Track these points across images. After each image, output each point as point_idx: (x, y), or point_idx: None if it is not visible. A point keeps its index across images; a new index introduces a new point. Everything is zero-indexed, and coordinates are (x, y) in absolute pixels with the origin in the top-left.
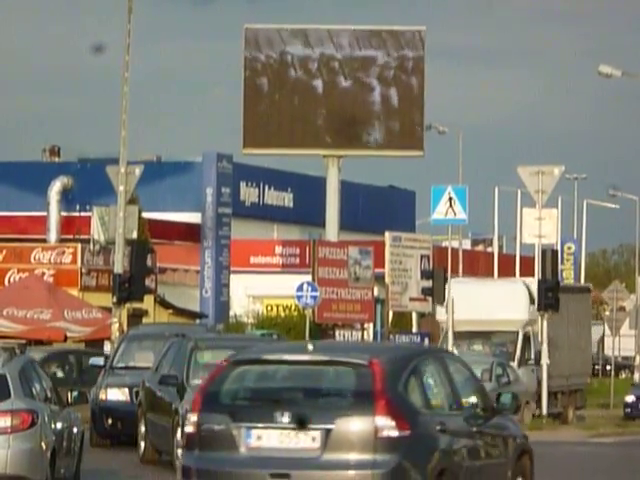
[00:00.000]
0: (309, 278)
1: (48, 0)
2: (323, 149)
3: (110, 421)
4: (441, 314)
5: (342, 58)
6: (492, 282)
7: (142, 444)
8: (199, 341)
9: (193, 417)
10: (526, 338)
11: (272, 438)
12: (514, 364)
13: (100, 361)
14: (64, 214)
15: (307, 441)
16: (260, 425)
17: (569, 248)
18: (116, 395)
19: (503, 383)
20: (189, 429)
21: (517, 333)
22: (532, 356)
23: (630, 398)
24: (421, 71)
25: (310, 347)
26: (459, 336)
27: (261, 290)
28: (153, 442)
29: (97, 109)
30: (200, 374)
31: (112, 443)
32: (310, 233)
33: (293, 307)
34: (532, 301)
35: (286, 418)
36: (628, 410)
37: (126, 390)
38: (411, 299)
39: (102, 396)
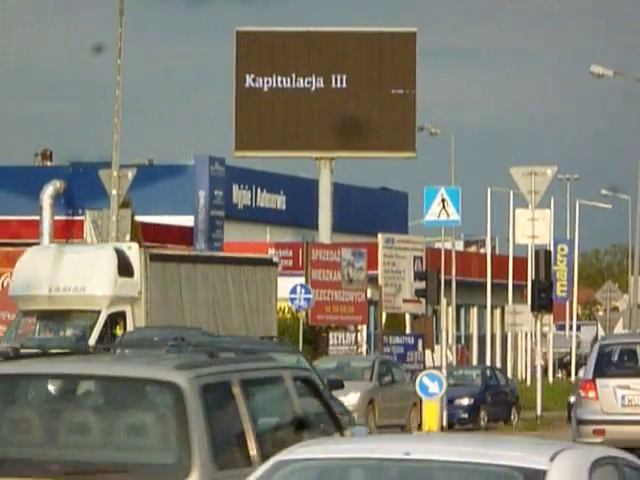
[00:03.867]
0: (302, 280)
1: (41, 4)
2: (315, 151)
3: None
4: (13, 290)
5: (334, 60)
6: (74, 249)
7: None
8: (199, 345)
9: None
10: (114, 320)
11: None
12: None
13: None
14: (57, 218)
15: None
16: None
17: (562, 249)
18: None
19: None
20: None
21: (99, 313)
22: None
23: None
24: (413, 73)
25: None
26: (29, 316)
27: None
28: None
29: (89, 113)
30: None
31: None
32: (303, 235)
33: (286, 309)
34: (128, 273)
35: None
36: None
37: None
38: (404, 301)
39: None
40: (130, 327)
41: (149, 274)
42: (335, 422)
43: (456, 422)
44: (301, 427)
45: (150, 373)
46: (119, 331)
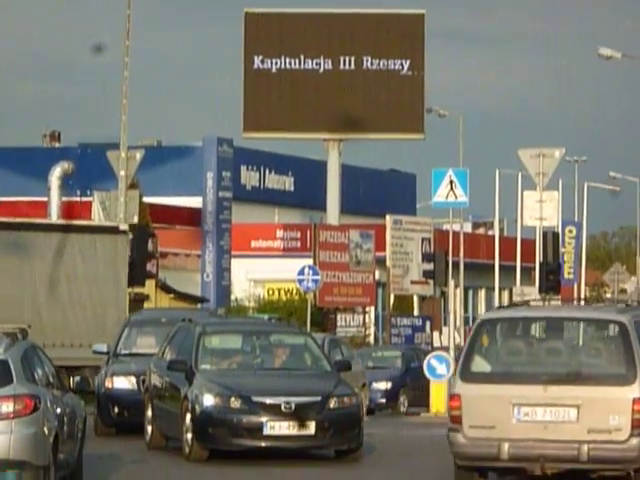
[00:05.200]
0: (310, 262)
1: None
2: (323, 133)
3: (117, 410)
4: None
5: (342, 41)
6: None
7: (149, 429)
8: (207, 326)
9: None
10: None
11: None
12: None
13: (104, 348)
14: (65, 199)
15: None
16: None
17: (570, 231)
18: (122, 383)
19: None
20: None
21: None
22: None
23: None
24: (421, 54)
25: None
26: None
27: (262, 274)
28: (161, 428)
29: (97, 94)
30: (209, 359)
31: (118, 431)
32: (311, 217)
33: (294, 291)
34: None
35: None
36: None
37: (133, 378)
38: (412, 282)
39: (108, 384)
40: None
41: None
42: None
43: (374, 407)
44: None
45: (604, 315)
46: None
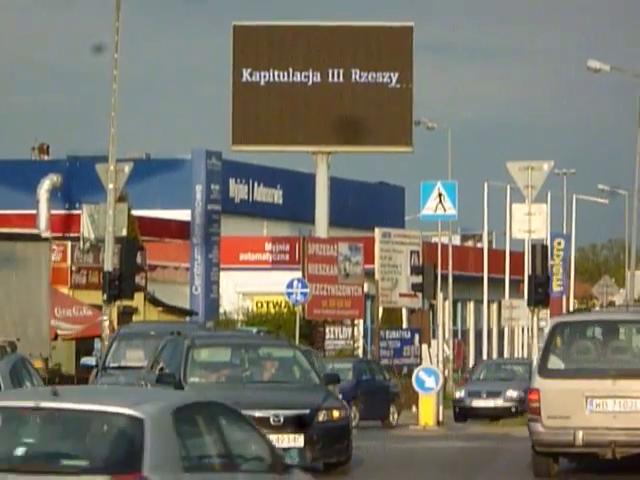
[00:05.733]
0: (299, 275)
1: None
2: (312, 146)
3: None
4: None
5: (331, 54)
6: None
7: None
8: (196, 339)
9: None
10: None
11: None
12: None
13: (92, 361)
14: (54, 212)
15: None
16: None
17: (559, 243)
18: None
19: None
20: None
21: None
22: None
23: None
24: (410, 67)
25: None
26: None
27: (251, 287)
28: None
29: (86, 107)
30: (197, 372)
31: None
32: (300, 230)
33: (283, 304)
34: None
35: None
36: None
37: None
38: (401, 295)
39: None
40: None
41: None
42: None
43: None
44: None
45: None
46: None
